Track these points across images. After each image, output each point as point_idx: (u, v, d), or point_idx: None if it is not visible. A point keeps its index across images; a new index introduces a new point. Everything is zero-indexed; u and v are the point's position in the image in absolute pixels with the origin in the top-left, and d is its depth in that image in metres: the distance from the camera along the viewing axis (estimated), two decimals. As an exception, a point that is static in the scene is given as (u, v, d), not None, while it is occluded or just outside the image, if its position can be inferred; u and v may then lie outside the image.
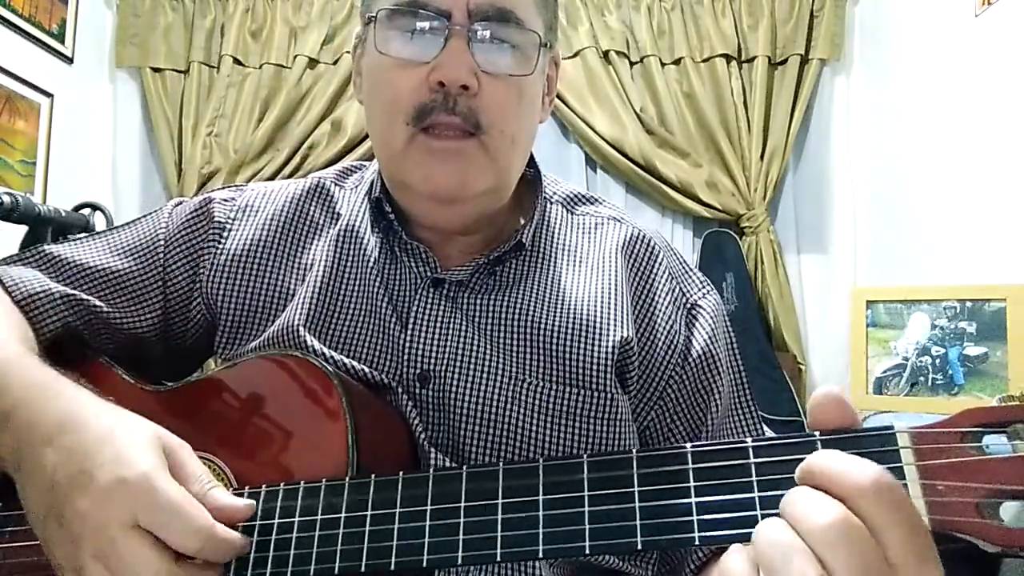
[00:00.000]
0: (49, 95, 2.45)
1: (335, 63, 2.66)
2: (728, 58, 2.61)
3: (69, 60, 2.55)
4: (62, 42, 2.51)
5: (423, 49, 0.66)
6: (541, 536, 0.44)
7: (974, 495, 0.38)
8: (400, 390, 0.68)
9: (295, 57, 2.65)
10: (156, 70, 2.67)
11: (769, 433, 0.71)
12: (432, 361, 0.69)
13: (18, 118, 2.32)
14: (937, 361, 1.94)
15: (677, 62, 2.63)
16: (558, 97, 2.60)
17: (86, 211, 1.74)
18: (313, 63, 2.67)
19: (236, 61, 2.67)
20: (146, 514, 0.48)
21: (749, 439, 0.43)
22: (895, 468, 0.39)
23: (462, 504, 0.47)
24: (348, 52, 2.62)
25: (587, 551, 0.43)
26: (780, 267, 2.57)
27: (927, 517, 0.38)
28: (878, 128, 2.55)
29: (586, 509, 0.44)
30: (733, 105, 2.60)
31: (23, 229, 1.59)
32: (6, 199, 1.47)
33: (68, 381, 0.59)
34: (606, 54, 2.63)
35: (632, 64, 2.65)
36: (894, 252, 2.43)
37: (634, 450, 0.45)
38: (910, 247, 2.33)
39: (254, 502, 0.52)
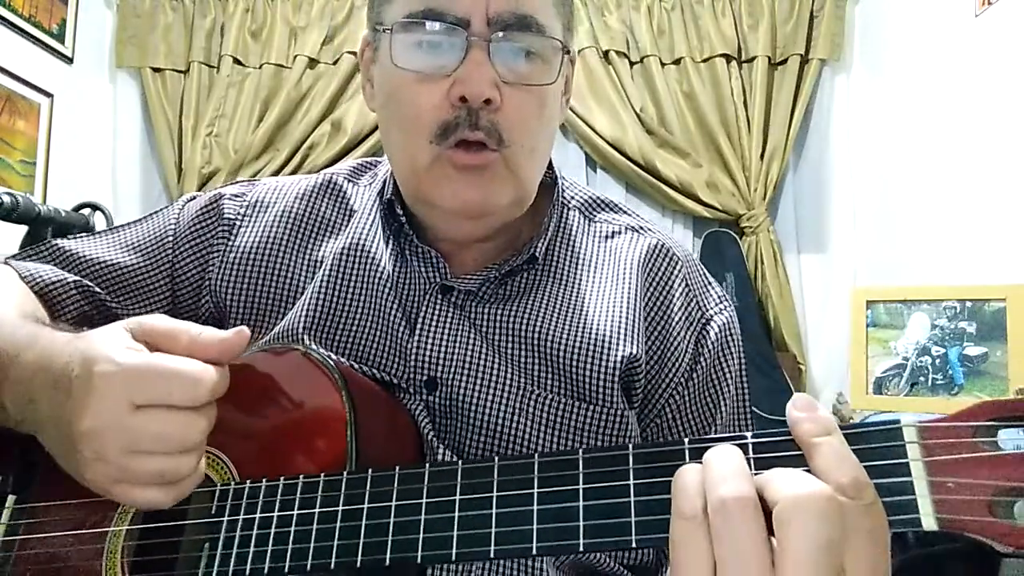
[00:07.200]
0: (49, 95, 2.45)
1: (335, 63, 2.66)
2: (728, 58, 2.61)
3: (69, 60, 2.55)
4: (62, 42, 2.51)
5: (442, 61, 0.64)
6: (535, 533, 0.44)
7: (986, 493, 0.36)
8: (412, 390, 0.68)
9: (295, 57, 2.65)
10: (156, 70, 2.67)
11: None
12: (439, 368, 0.68)
13: (18, 118, 2.32)
14: (937, 361, 1.94)
15: (677, 62, 2.63)
16: (558, 97, 2.61)
17: (86, 211, 1.75)
18: (313, 63, 2.67)
19: (236, 61, 2.67)
20: (137, 394, 0.48)
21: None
22: (900, 464, 0.38)
23: (456, 498, 0.47)
24: (348, 52, 2.62)
25: (581, 548, 0.42)
26: (780, 267, 2.57)
27: (934, 516, 0.37)
28: (878, 128, 2.55)
29: (578, 504, 0.44)
30: (733, 105, 2.59)
31: (23, 229, 1.59)
32: (6, 199, 1.47)
33: (44, 327, 0.59)
34: (606, 54, 2.63)
35: (632, 64, 2.65)
36: (894, 252, 2.43)
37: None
38: (910, 247, 2.33)
39: (245, 330, 0.53)
